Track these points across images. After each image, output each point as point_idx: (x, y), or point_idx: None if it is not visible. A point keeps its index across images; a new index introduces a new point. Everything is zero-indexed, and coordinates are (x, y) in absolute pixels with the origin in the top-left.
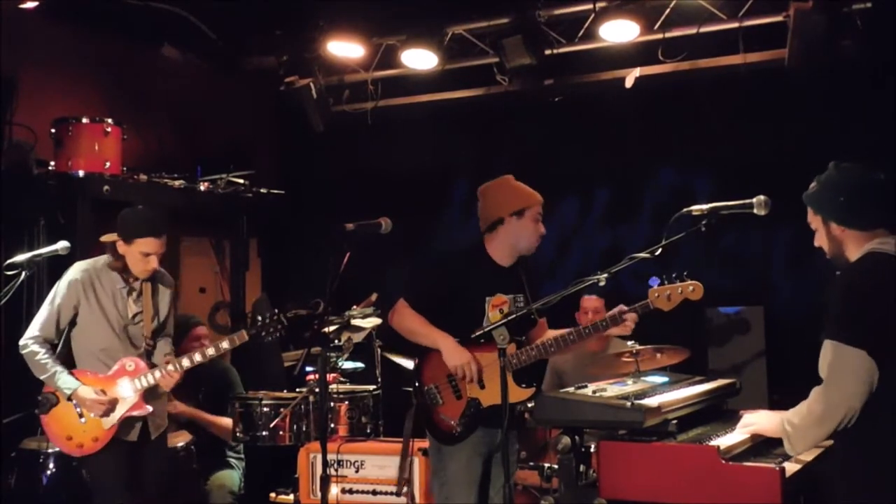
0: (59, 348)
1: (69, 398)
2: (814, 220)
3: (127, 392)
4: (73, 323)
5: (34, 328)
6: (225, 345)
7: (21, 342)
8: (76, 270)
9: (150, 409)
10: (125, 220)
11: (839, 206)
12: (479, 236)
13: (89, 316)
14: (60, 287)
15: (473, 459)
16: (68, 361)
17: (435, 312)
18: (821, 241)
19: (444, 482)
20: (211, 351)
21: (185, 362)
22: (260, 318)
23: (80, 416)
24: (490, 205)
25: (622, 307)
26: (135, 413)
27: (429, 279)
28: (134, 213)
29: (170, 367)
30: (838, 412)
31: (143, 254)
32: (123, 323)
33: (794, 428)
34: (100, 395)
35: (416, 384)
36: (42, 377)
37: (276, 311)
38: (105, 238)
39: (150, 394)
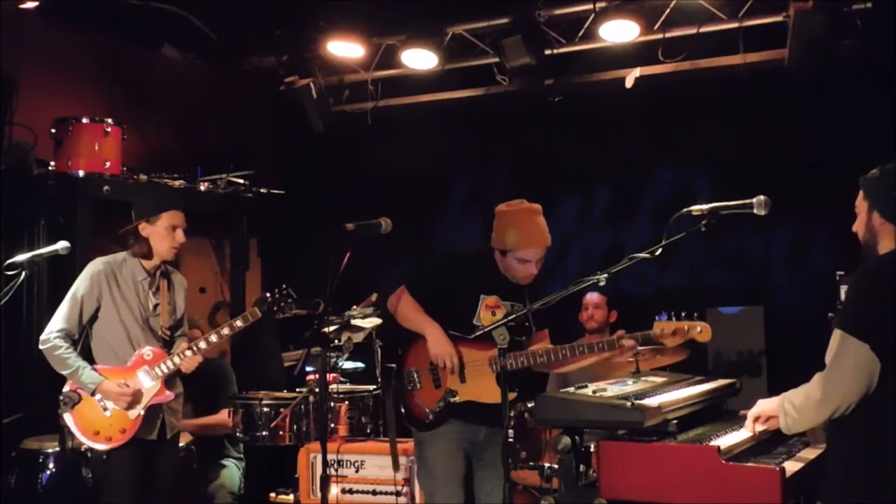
0: (79, 344)
1: (93, 393)
2: (860, 205)
3: (148, 381)
4: (93, 318)
5: (56, 322)
6: (239, 323)
7: (43, 336)
8: (97, 263)
9: (172, 395)
10: (144, 201)
11: (889, 198)
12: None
13: (112, 307)
14: (82, 280)
15: (455, 454)
16: (86, 357)
17: (430, 300)
18: (858, 226)
19: (427, 479)
20: (225, 330)
21: (202, 344)
22: (269, 294)
23: (105, 409)
24: (494, 230)
25: (621, 332)
26: (158, 400)
27: (432, 269)
28: (150, 194)
29: (188, 351)
30: (835, 400)
31: (169, 228)
32: (146, 314)
33: (795, 409)
34: (123, 387)
35: (398, 366)
36: (64, 373)
37: (284, 285)
38: (124, 230)
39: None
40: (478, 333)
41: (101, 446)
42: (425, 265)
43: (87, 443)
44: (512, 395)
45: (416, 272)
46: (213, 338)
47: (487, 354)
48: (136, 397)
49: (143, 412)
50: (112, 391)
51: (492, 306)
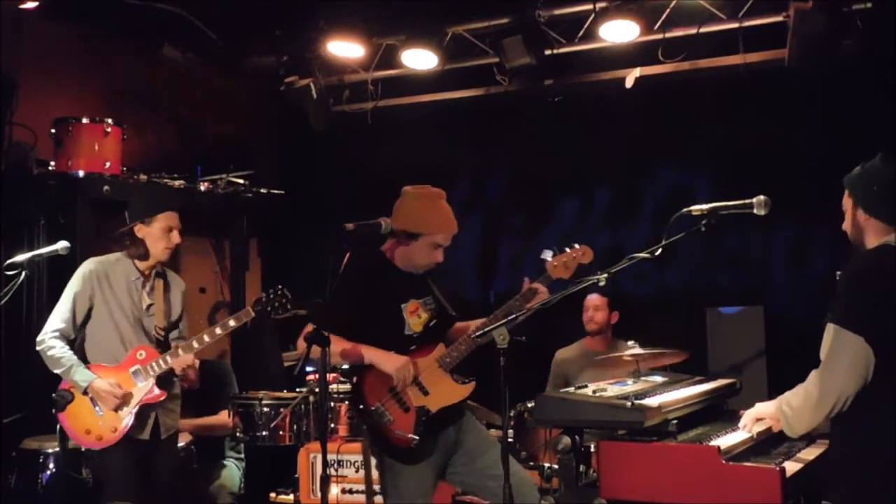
0: (76, 343)
1: (84, 392)
2: (846, 203)
3: (140, 381)
4: (87, 318)
5: (51, 323)
6: (232, 322)
7: (38, 338)
8: (89, 263)
9: (163, 394)
10: (139, 203)
11: (870, 194)
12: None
13: (104, 307)
14: (75, 280)
15: (427, 471)
16: (82, 357)
17: (356, 332)
18: (847, 224)
19: (399, 499)
20: (218, 330)
21: (195, 343)
22: (263, 294)
23: (97, 408)
24: (396, 211)
25: (527, 280)
26: (150, 400)
27: (342, 301)
28: (143, 196)
29: (181, 350)
30: (832, 395)
31: (164, 229)
32: (138, 314)
33: (793, 410)
34: (114, 387)
35: (361, 408)
36: (58, 371)
37: (280, 285)
38: (120, 231)
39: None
40: (478, 334)
41: (92, 445)
42: (333, 302)
43: (79, 442)
44: (471, 386)
45: (328, 308)
46: (206, 337)
47: (433, 357)
48: (125, 398)
49: (133, 412)
50: (102, 390)
51: (414, 311)
